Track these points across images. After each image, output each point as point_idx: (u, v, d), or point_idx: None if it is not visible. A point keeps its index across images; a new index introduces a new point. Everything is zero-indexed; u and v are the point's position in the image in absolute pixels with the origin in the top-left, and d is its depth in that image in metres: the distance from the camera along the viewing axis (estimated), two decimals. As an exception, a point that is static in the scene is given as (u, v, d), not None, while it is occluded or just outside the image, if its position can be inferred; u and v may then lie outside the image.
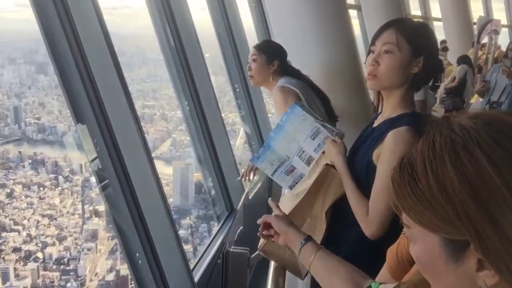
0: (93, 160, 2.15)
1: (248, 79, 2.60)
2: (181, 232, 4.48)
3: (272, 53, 2.46)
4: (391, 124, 1.47)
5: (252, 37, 4.25)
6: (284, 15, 3.05)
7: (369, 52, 1.47)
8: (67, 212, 3.68)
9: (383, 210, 1.41)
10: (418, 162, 0.54)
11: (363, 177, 1.54)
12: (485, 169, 0.50)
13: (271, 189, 2.61)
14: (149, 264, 2.18)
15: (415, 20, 1.61)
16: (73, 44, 1.94)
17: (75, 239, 3.57)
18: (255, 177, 2.40)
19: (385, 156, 1.43)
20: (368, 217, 1.47)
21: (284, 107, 2.06)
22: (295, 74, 2.47)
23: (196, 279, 2.43)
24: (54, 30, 1.95)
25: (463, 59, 7.25)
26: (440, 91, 7.04)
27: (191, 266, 2.54)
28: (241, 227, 2.97)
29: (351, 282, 0.98)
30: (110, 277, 3.56)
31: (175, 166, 4.22)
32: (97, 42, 2.09)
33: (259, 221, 1.22)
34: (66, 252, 3.45)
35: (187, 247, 4.17)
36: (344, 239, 1.61)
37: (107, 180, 2.14)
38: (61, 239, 3.49)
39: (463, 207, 0.50)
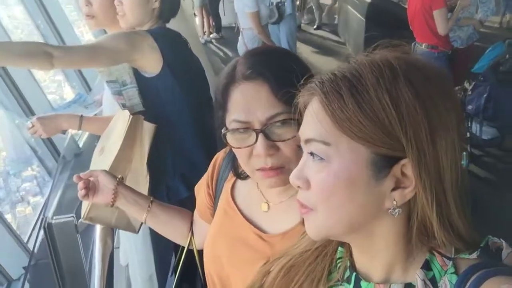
0: None
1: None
2: (27, 185, 4.08)
3: None
4: None
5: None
6: None
7: None
8: None
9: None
10: (367, 75, 0.54)
11: None
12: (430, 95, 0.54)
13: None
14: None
15: None
16: None
17: None
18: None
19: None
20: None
21: None
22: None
23: (37, 246, 2.24)
24: None
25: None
26: None
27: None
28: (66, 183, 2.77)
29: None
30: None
31: (-6, 115, 3.60)
32: None
33: (82, 175, 1.16)
34: None
35: (36, 199, 3.83)
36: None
37: None
38: None
39: (413, 124, 0.52)
